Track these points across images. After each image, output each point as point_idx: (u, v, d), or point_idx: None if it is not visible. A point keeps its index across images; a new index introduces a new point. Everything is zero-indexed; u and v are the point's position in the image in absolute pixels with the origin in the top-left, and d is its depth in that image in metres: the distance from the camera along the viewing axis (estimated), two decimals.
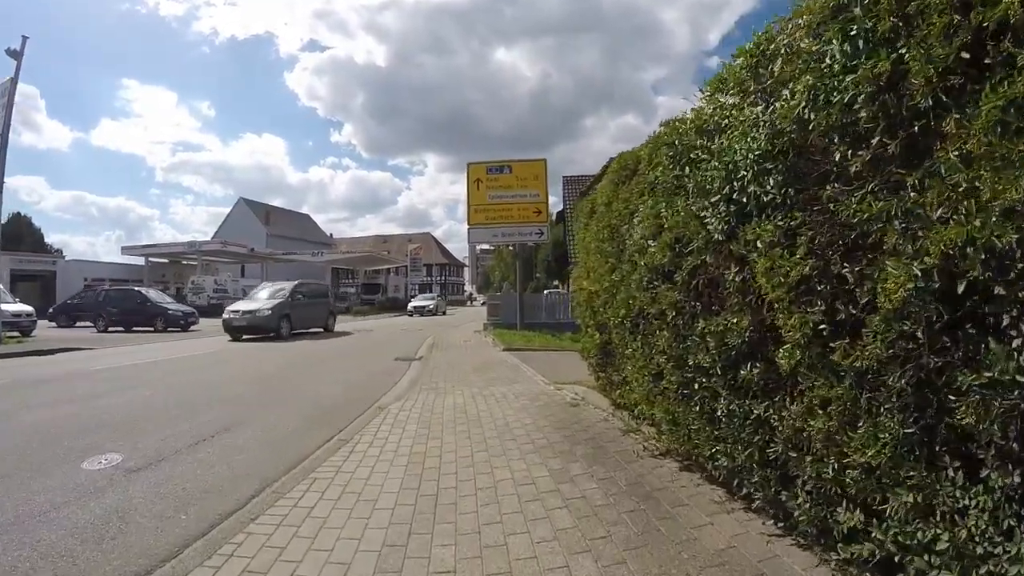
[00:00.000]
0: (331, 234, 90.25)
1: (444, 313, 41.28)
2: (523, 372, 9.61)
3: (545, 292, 29.58)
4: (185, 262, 47.91)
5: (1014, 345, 1.58)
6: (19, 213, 64.86)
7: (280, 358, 12.65)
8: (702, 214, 3.09)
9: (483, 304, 71.16)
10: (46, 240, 64.71)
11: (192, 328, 22.48)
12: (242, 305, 18.04)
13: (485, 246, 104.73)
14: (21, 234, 59.77)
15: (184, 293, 39.09)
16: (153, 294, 23.73)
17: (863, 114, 2.00)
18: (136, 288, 24.36)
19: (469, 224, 17.50)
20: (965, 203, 1.65)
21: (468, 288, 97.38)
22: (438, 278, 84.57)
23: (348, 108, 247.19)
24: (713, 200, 2.92)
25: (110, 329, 22.02)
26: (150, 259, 44.20)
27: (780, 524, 2.87)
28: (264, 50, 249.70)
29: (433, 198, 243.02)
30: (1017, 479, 1.62)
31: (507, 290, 36.05)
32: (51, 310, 25.43)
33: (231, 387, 8.57)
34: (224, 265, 50.52)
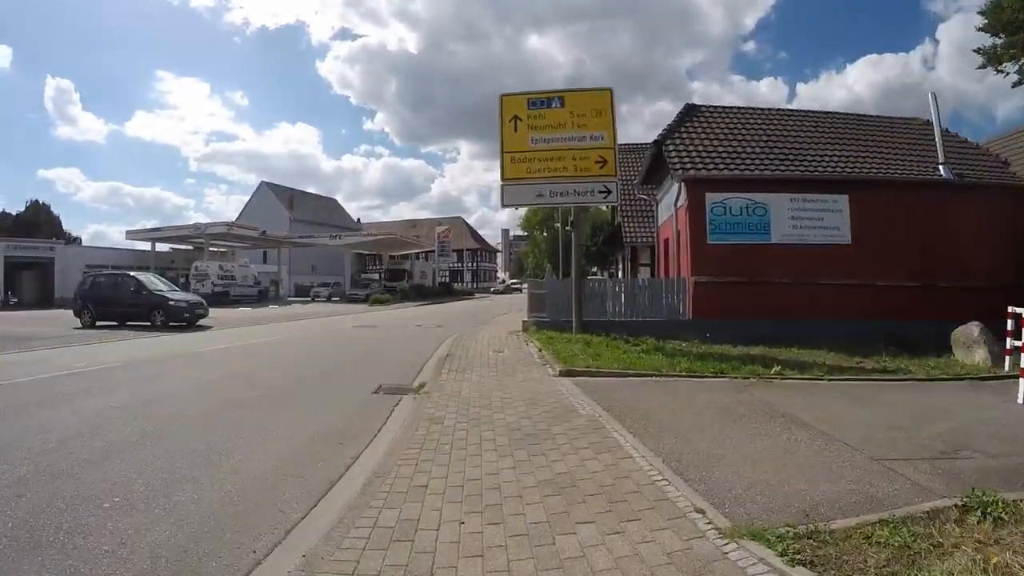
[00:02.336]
0: (359, 219, 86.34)
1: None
2: (647, 477, 4.06)
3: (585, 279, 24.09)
4: (212, 248, 44.13)
5: None
6: (37, 201, 63.24)
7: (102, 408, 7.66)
8: None
9: (504, 290, 65.47)
10: (64, 227, 62.80)
11: (200, 322, 18.08)
12: None
13: (519, 231, 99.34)
14: (39, 221, 57.56)
15: (188, 280, 35.09)
16: (150, 280, 19.01)
17: None
18: (130, 273, 19.64)
19: (503, 179, 11.87)
20: None
21: (501, 275, 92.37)
22: (469, 264, 79.67)
23: (381, 96, 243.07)
24: None
25: (99, 324, 17.62)
26: (156, 244, 40.46)
27: None
28: (296, 39, 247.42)
29: (466, 185, 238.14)
30: None
31: (549, 274, 30.26)
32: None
33: None
34: (243, 251, 46.65)
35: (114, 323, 17.70)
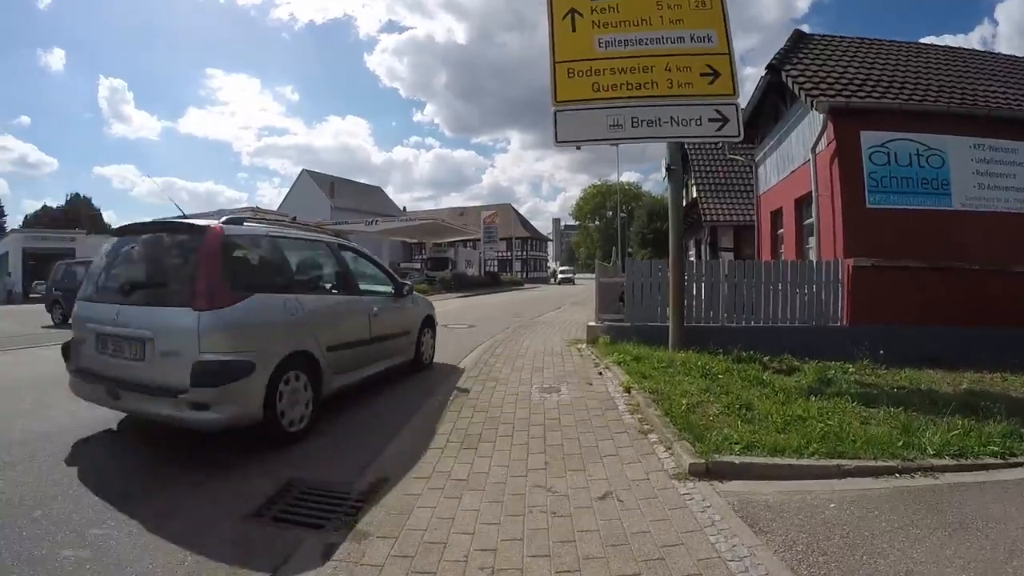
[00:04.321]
0: (404, 207, 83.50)
1: None
2: None
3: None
4: None
5: None
6: (78, 194, 63.56)
7: None
8: None
9: (559, 281, 59.38)
10: (106, 220, 62.52)
11: None
12: None
13: (571, 221, 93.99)
14: (79, 214, 57.00)
15: None
16: None
17: None
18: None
19: (556, 101, 7.38)
20: None
21: (552, 264, 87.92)
22: (519, 253, 75.38)
23: (430, 87, 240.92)
24: None
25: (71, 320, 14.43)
26: None
27: None
28: (343, 33, 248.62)
29: (517, 175, 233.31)
30: None
31: (610, 259, 25.42)
32: None
33: None
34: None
35: None
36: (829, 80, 9.84)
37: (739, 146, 15.78)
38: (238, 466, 3.75)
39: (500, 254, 64.09)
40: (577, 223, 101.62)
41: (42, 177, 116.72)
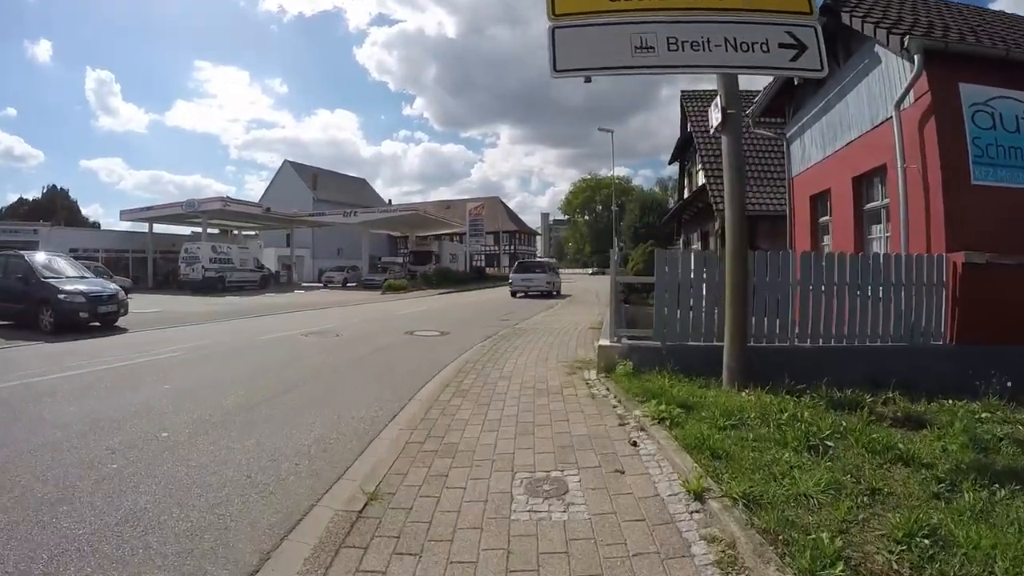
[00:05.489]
0: (390, 200, 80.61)
1: None
2: None
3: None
4: (237, 231, 38.89)
5: None
6: (55, 186, 60.95)
7: None
8: None
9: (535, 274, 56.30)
10: (83, 213, 59.48)
11: (117, 323, 12.49)
12: None
13: (560, 215, 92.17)
14: (55, 207, 53.84)
15: (178, 264, 29.84)
16: (50, 263, 12.96)
17: None
18: (20, 254, 13.54)
19: (553, 15, 4.85)
20: None
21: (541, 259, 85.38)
22: (507, 247, 72.75)
23: (419, 81, 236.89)
24: None
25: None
26: (153, 224, 35.24)
27: None
28: (333, 26, 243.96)
29: (506, 170, 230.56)
30: None
31: (616, 251, 23.38)
32: None
33: None
34: (266, 233, 41.18)
35: (10, 323, 12.05)
36: (904, 23, 7.57)
37: (763, 120, 13.44)
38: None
39: (487, 248, 61.58)
40: (566, 218, 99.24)
41: (28, 170, 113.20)
